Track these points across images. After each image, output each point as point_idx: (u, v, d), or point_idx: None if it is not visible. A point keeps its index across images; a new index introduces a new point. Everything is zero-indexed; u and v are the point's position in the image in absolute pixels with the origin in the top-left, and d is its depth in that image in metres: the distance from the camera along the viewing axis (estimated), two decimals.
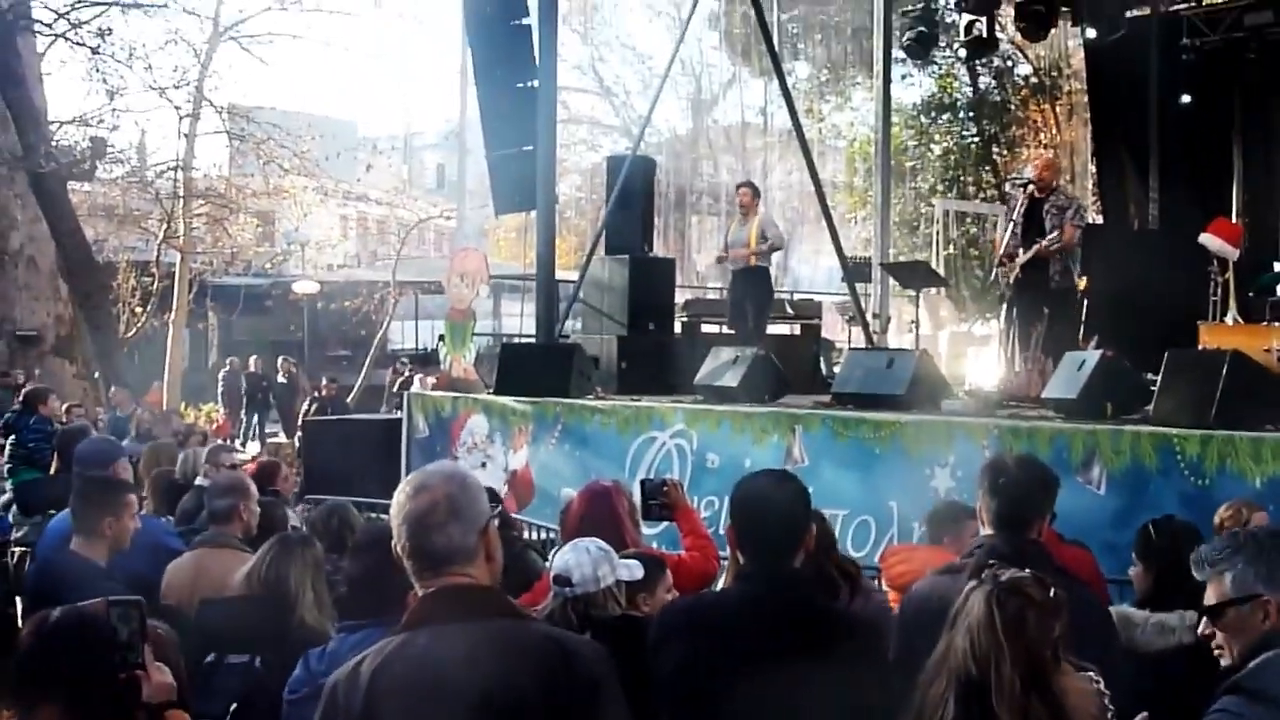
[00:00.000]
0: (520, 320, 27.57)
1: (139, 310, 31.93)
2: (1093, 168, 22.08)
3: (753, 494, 4.05)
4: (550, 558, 5.43)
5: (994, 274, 12.69)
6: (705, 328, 17.11)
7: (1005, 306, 12.61)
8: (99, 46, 22.70)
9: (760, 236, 14.59)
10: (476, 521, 3.09)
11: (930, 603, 4.42)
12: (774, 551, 3.92)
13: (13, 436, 12.42)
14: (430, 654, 2.90)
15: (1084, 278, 13.13)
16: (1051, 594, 3.41)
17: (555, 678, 2.90)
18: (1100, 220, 19.24)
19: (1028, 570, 3.54)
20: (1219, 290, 13.97)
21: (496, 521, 3.21)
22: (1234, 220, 16.46)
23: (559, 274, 16.38)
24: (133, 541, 6.06)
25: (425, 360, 28.98)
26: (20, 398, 13.82)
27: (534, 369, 13.56)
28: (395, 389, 24.71)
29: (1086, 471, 8.58)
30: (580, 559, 4.65)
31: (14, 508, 9.59)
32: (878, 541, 9.57)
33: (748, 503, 4.02)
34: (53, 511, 7.97)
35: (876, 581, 6.99)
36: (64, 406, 14.78)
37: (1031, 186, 12.26)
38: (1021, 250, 12.01)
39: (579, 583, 4.60)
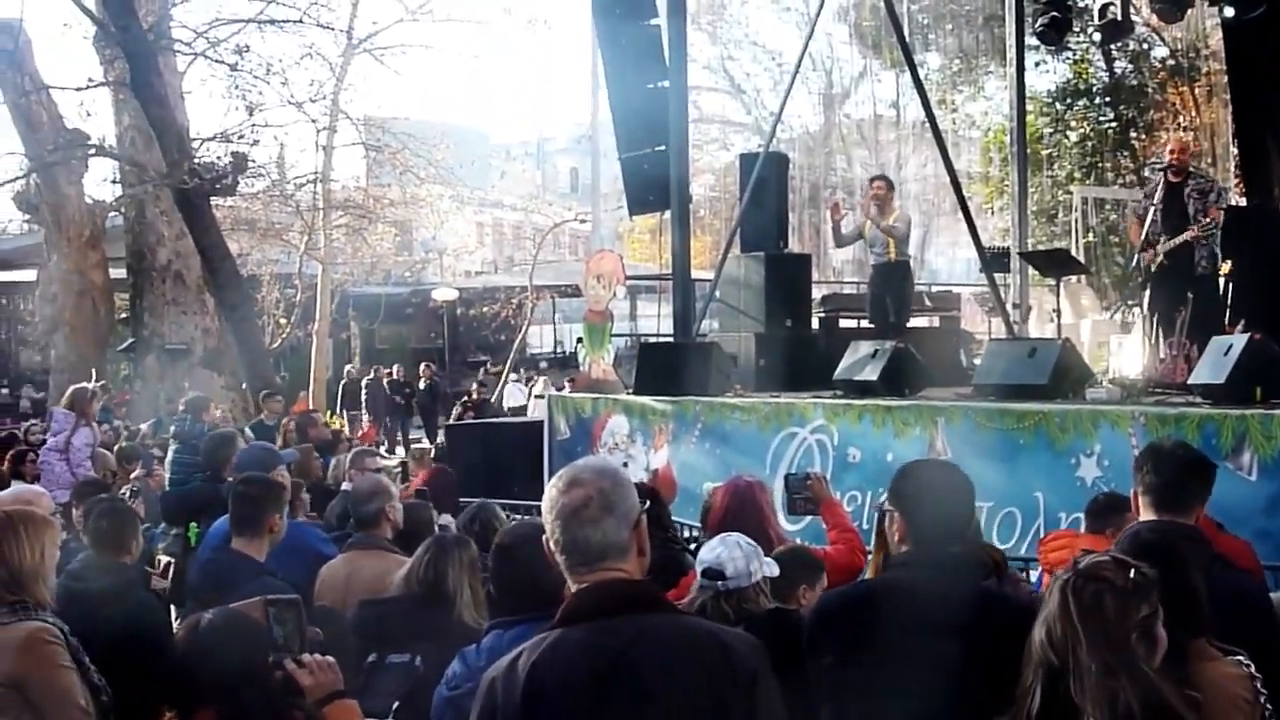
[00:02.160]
0: (657, 321, 27.68)
1: (283, 321, 32.63)
2: (1234, 149, 21.61)
3: (933, 481, 4.00)
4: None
5: (1135, 260, 12.47)
6: (843, 322, 16.99)
7: (1148, 293, 12.39)
8: (237, 64, 23.06)
9: (902, 236, 14.46)
10: (629, 516, 3.09)
11: None
12: (945, 538, 3.88)
13: (177, 444, 12.57)
14: (587, 648, 2.92)
15: (1228, 261, 12.85)
16: (1132, 575, 3.34)
17: (712, 671, 2.90)
18: (1243, 202, 18.84)
19: (1109, 555, 3.49)
20: None
21: (646, 517, 3.21)
22: None
23: (695, 273, 16.46)
24: (288, 546, 6.22)
25: (563, 363, 29.27)
26: (182, 406, 14.00)
27: (673, 368, 13.62)
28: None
29: (1237, 458, 8.39)
30: (733, 554, 4.67)
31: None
32: (1023, 533, 9.48)
33: (927, 490, 3.95)
34: (194, 523, 8.14)
35: (1024, 572, 6.97)
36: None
37: (1168, 171, 12.07)
38: (1164, 237, 11.82)
39: (733, 576, 4.62)
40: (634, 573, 3.10)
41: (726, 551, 4.68)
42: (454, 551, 5.27)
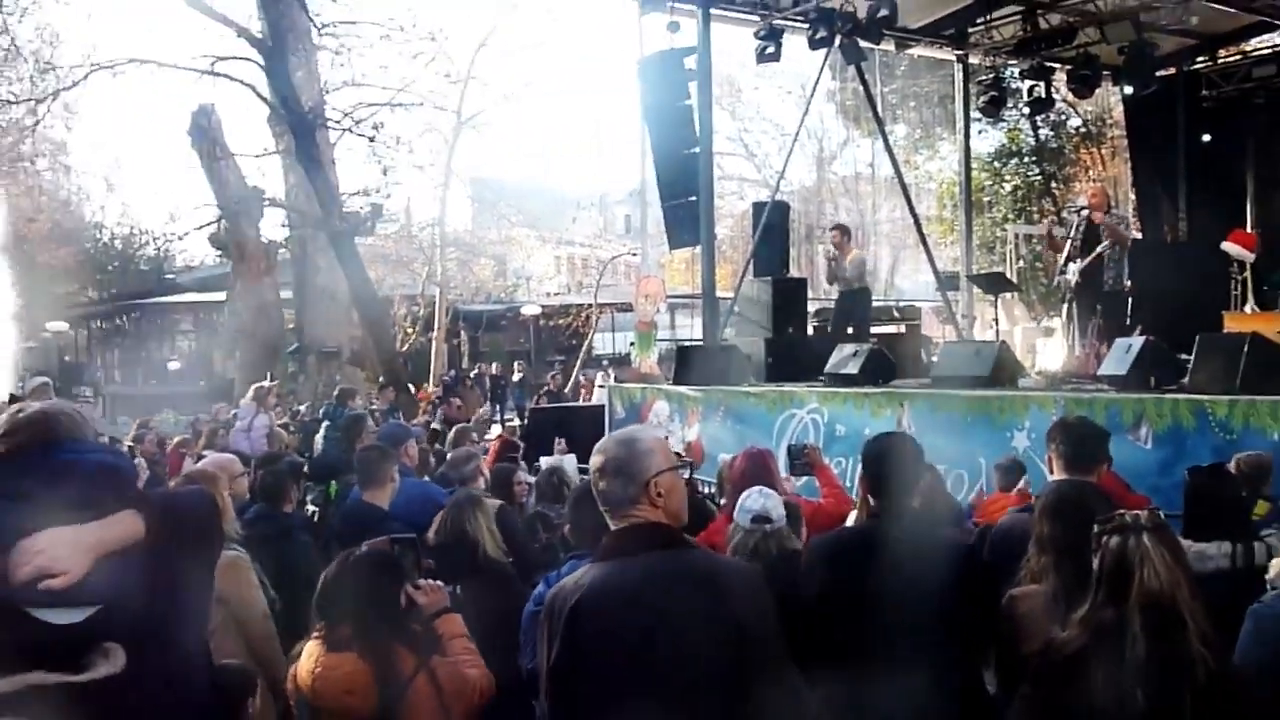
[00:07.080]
0: (691, 329, 27.56)
1: (410, 331, 32.82)
2: (1133, 196, 21.46)
3: (884, 448, 3.93)
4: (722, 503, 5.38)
5: (1057, 280, 12.39)
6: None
7: (1066, 305, 12.26)
8: (374, 136, 23.20)
9: (857, 274, 14.34)
10: (637, 477, 2.98)
11: (1013, 533, 4.37)
12: (900, 493, 3.81)
13: (328, 423, 12.77)
14: (612, 579, 2.90)
15: (1130, 281, 12.71)
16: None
17: (710, 594, 2.86)
18: (1141, 236, 18.68)
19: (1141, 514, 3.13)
20: (1239, 286, 13.69)
21: (671, 475, 3.05)
22: (1249, 230, 16.09)
23: (719, 293, 16.37)
24: (419, 498, 6.22)
25: (620, 362, 29.16)
26: (335, 394, 14.26)
27: (702, 365, 13.52)
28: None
29: (1136, 431, 8.26)
30: (773, 502, 4.55)
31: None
32: (970, 488, 9.37)
33: (880, 455, 3.89)
34: (334, 481, 8.17)
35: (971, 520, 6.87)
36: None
37: (1088, 211, 11.93)
38: (1080, 258, 11.74)
39: (777, 519, 4.52)
40: (656, 518, 2.99)
41: (768, 502, 4.54)
42: (469, 508, 5.33)
